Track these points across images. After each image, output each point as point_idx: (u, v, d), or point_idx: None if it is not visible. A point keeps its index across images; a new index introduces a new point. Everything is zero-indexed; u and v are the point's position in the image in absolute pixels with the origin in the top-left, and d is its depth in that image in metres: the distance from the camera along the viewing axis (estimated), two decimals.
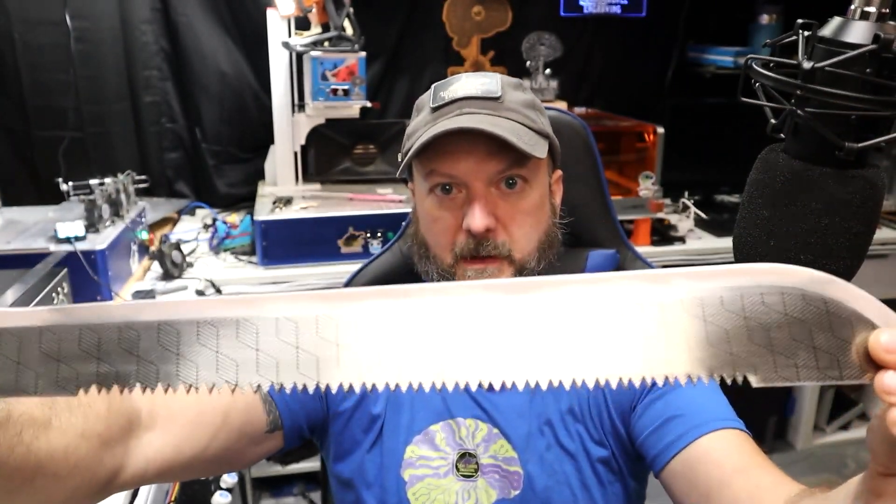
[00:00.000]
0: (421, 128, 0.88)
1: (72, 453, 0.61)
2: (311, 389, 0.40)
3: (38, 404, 0.60)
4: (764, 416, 2.61)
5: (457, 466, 0.91)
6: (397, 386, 0.39)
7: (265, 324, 0.39)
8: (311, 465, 2.28)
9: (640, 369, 0.37)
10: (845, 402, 2.67)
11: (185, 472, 0.79)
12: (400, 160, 0.90)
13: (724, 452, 0.78)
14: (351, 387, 0.92)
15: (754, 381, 0.37)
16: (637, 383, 0.38)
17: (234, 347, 0.39)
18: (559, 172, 0.96)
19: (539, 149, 0.85)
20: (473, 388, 0.40)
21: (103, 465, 0.66)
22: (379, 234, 2.10)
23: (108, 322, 0.39)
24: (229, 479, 1.67)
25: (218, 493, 1.62)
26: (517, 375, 0.39)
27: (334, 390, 0.41)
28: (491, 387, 0.91)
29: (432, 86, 0.92)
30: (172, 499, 1.41)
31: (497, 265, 0.87)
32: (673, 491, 0.82)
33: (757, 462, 0.76)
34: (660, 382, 0.38)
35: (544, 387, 0.39)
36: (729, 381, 0.38)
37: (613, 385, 0.38)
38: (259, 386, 0.86)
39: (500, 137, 0.81)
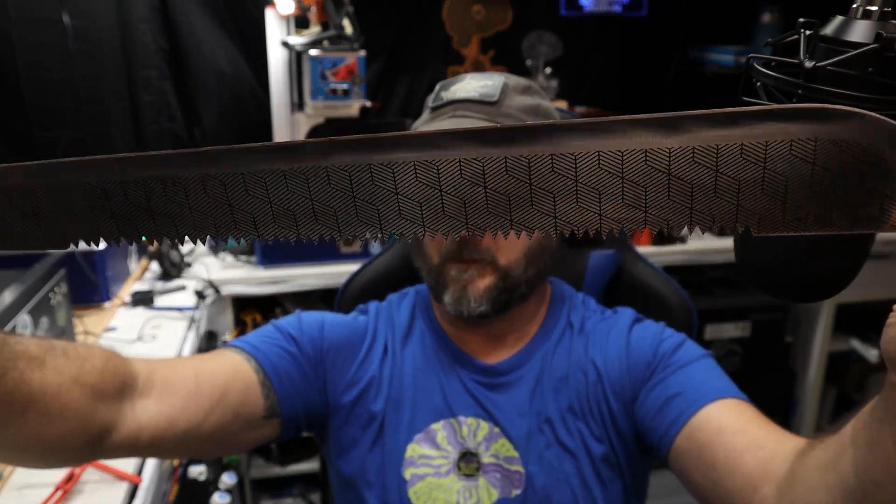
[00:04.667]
0: (419, 127, 0.89)
1: (64, 394, 0.62)
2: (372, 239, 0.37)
3: (35, 343, 0.61)
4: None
5: (458, 465, 0.91)
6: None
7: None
8: (311, 465, 2.28)
9: (638, 220, 0.35)
10: (846, 402, 2.67)
11: (177, 447, 0.79)
12: None
13: (724, 418, 0.78)
14: (350, 380, 0.92)
15: (755, 231, 0.35)
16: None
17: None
18: None
19: None
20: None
21: (96, 416, 0.66)
22: None
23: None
24: (228, 480, 1.66)
25: (217, 493, 1.62)
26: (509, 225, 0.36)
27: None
28: (492, 385, 0.92)
29: (438, 84, 0.92)
30: (172, 499, 1.41)
31: (479, 268, 0.87)
32: (683, 471, 0.81)
33: (759, 423, 0.76)
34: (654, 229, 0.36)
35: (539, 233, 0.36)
36: (728, 233, 0.36)
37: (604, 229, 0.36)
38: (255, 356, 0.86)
39: None
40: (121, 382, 0.70)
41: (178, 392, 0.76)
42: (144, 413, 0.72)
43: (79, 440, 0.66)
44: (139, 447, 0.73)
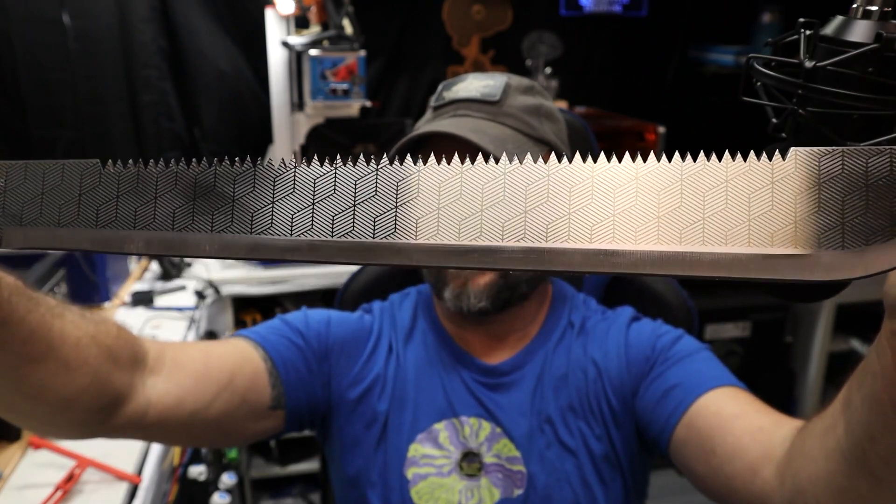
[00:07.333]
0: (420, 126, 0.89)
1: (83, 348, 0.63)
2: None
3: (52, 298, 0.62)
4: None
5: (460, 465, 0.91)
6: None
7: None
8: (311, 466, 2.28)
9: None
10: None
11: (182, 430, 0.79)
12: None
13: (722, 405, 0.79)
14: (356, 377, 0.92)
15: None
16: None
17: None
18: None
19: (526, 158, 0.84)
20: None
21: (111, 381, 0.67)
22: None
23: None
24: (228, 480, 1.66)
25: (217, 493, 1.62)
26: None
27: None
28: (493, 385, 0.92)
29: (441, 84, 0.92)
30: (172, 499, 1.41)
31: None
32: (684, 461, 0.81)
33: (756, 407, 0.77)
34: None
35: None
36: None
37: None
38: (269, 358, 0.86)
39: (477, 146, 0.80)
40: (132, 353, 0.70)
41: (187, 372, 0.76)
42: (154, 390, 0.72)
43: (92, 402, 0.65)
44: (145, 424, 0.72)
